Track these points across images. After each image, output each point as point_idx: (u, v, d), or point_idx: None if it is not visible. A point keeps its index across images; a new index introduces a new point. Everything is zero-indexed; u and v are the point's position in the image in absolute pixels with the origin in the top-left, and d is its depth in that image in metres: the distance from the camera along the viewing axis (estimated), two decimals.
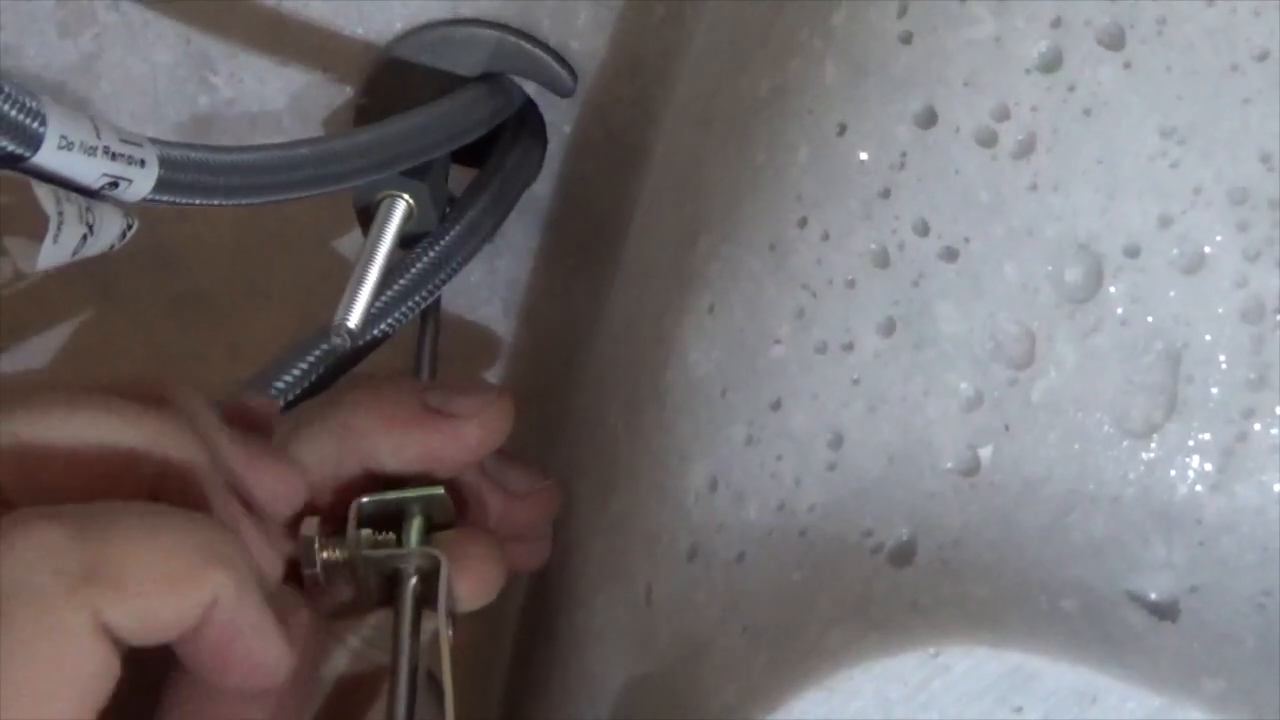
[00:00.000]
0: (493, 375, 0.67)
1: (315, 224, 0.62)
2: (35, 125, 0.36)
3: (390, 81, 0.56)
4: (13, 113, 0.36)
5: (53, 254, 0.37)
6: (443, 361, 0.54)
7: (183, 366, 0.69)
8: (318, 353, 0.49)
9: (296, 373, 0.49)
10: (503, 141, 0.57)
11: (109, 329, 0.67)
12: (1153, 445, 0.36)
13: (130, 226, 0.40)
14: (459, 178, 0.56)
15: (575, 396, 0.58)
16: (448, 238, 0.53)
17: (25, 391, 0.39)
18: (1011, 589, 0.37)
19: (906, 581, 0.38)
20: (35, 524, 0.35)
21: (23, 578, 0.35)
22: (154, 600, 0.36)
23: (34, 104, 0.36)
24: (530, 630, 0.58)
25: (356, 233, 0.52)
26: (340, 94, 0.58)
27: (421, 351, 0.54)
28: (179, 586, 0.37)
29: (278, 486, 0.44)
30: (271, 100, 0.59)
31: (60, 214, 0.37)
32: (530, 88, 0.56)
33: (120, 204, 0.39)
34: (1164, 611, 0.36)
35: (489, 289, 0.64)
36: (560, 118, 0.58)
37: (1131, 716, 0.35)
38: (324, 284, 0.63)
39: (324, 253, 0.63)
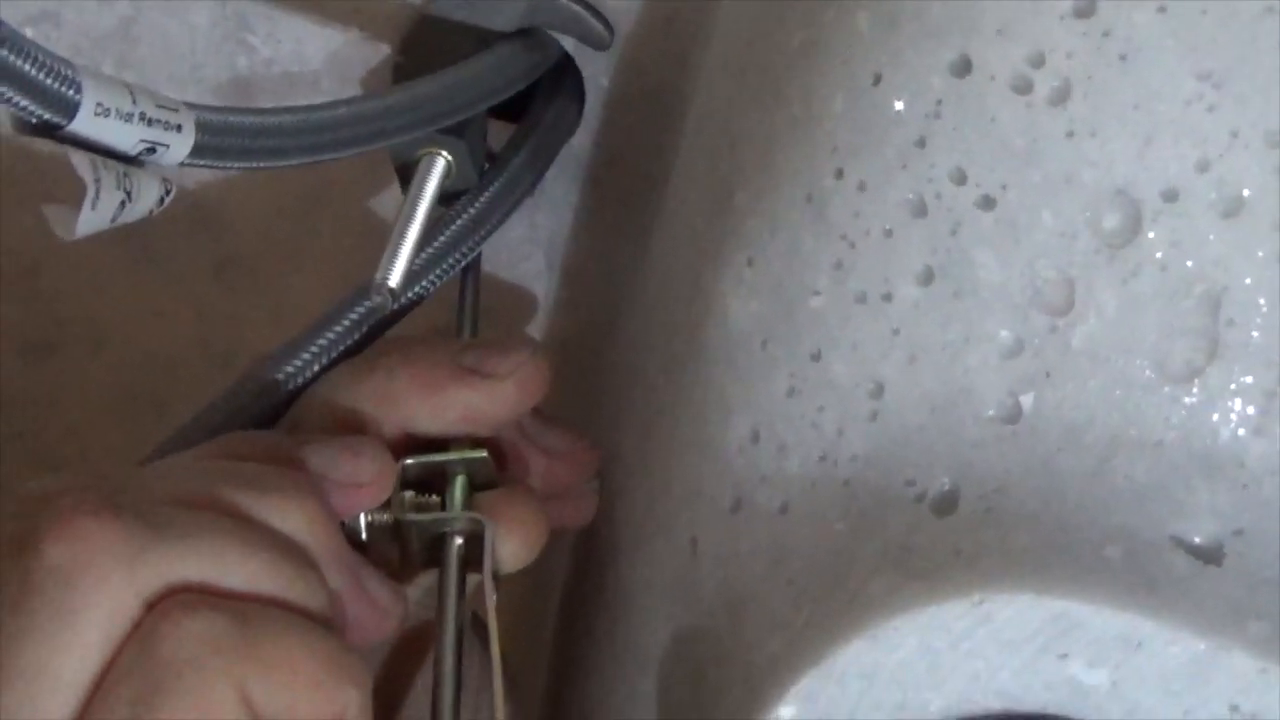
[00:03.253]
0: (534, 329, 0.67)
1: (354, 183, 0.62)
2: (71, 93, 0.36)
3: (427, 39, 0.56)
4: (49, 81, 0.36)
5: (91, 221, 0.37)
6: (484, 317, 0.54)
7: (226, 328, 0.69)
8: (358, 312, 0.49)
9: (338, 332, 0.49)
10: (540, 96, 0.56)
11: (152, 292, 0.68)
12: (1194, 389, 0.36)
13: (168, 192, 0.40)
14: (497, 133, 0.56)
15: (616, 350, 0.59)
16: (487, 194, 0.53)
17: (187, 518, 0.40)
18: (1054, 536, 0.37)
19: (949, 530, 0.38)
20: (201, 609, 0.38)
21: (185, 654, 0.37)
22: (297, 692, 0.38)
23: (69, 72, 0.36)
24: (577, 585, 0.58)
25: (396, 191, 0.52)
26: (378, 53, 0.58)
27: (463, 308, 0.54)
28: (321, 689, 0.39)
29: (380, 611, 0.45)
30: (309, 60, 0.59)
31: (97, 181, 0.37)
32: (568, 42, 0.56)
33: (158, 169, 0.40)
34: (1208, 555, 0.36)
35: (530, 244, 0.64)
36: (598, 71, 0.57)
37: (1176, 661, 0.35)
38: (365, 243, 0.63)
39: (364, 212, 0.63)
